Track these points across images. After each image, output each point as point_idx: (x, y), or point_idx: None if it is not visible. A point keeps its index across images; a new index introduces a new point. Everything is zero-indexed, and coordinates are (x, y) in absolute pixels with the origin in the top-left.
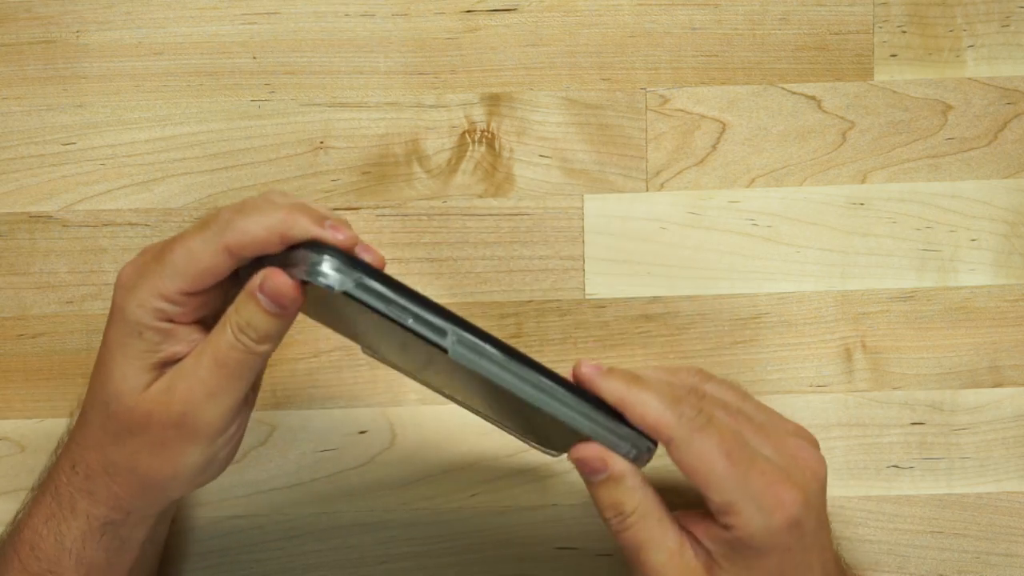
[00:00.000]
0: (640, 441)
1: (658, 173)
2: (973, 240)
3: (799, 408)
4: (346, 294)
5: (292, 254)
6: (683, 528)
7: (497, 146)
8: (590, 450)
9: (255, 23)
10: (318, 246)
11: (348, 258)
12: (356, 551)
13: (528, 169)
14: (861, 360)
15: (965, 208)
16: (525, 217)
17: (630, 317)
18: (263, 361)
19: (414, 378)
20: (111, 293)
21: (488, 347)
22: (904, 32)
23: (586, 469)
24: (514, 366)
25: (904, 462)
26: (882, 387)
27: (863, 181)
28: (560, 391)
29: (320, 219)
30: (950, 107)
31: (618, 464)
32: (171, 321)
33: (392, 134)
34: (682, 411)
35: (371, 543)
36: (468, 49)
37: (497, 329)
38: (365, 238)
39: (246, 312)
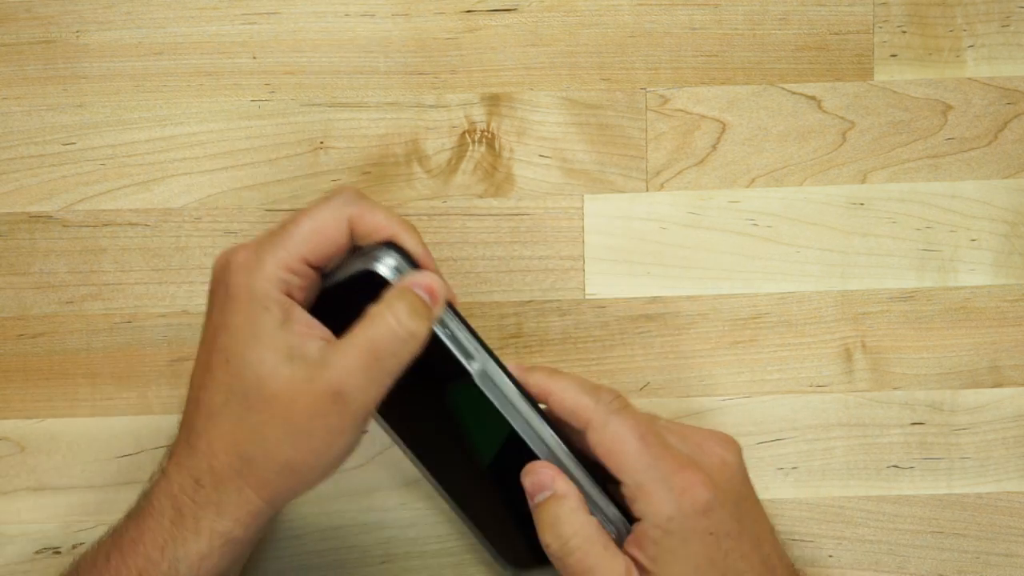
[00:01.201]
0: (622, 524)
1: (658, 173)
2: (973, 240)
3: (799, 408)
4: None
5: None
6: (625, 552)
7: (497, 146)
8: (542, 467)
9: (255, 23)
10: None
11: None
12: (356, 551)
13: (528, 169)
14: (861, 360)
15: (965, 208)
16: (525, 217)
17: (630, 317)
18: (409, 359)
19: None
20: (111, 293)
21: (507, 379)
22: (904, 32)
23: (533, 488)
24: (524, 403)
25: (904, 462)
26: (882, 387)
27: (863, 181)
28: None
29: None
30: (950, 107)
31: (563, 486)
32: (291, 296)
33: (392, 134)
34: (600, 396)
35: (371, 543)
36: (468, 49)
37: (497, 329)
38: None
39: (408, 301)
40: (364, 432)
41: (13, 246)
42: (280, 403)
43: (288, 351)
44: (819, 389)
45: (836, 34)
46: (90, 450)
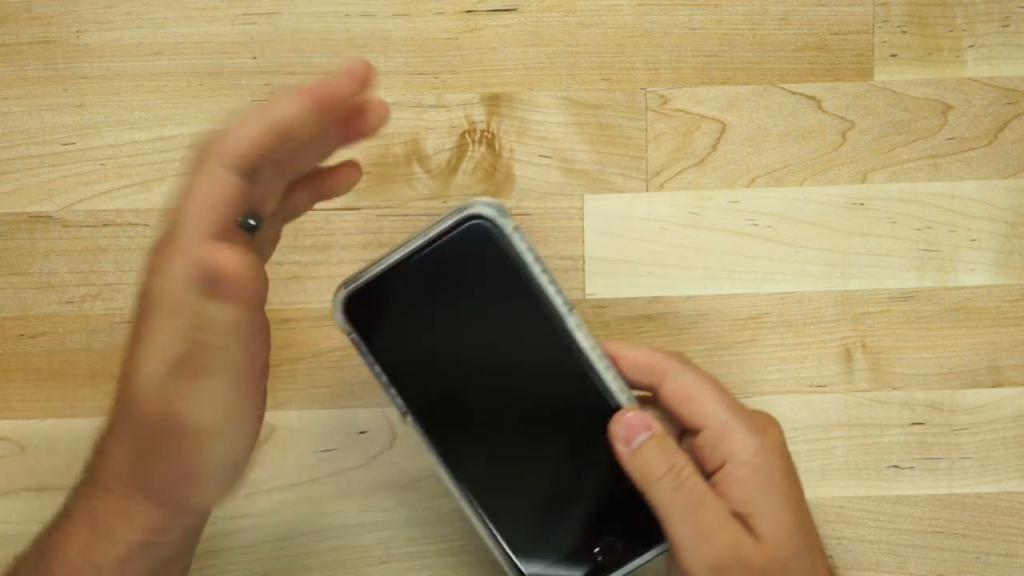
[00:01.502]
0: None
1: (658, 173)
2: (973, 240)
3: (799, 408)
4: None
5: None
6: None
7: (497, 146)
8: (636, 413)
9: (255, 23)
10: None
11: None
12: (356, 551)
13: (528, 169)
14: (861, 360)
15: (965, 208)
16: (525, 217)
17: (630, 317)
18: (239, 343)
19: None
20: (111, 293)
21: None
22: (904, 32)
23: (631, 431)
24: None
25: (904, 462)
26: (882, 387)
27: (863, 181)
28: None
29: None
30: (950, 107)
31: (660, 427)
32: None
33: (392, 134)
34: (669, 354)
35: (371, 543)
36: (468, 49)
37: None
38: (365, 238)
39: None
40: (252, 421)
41: (13, 246)
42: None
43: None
44: (819, 389)
45: (836, 34)
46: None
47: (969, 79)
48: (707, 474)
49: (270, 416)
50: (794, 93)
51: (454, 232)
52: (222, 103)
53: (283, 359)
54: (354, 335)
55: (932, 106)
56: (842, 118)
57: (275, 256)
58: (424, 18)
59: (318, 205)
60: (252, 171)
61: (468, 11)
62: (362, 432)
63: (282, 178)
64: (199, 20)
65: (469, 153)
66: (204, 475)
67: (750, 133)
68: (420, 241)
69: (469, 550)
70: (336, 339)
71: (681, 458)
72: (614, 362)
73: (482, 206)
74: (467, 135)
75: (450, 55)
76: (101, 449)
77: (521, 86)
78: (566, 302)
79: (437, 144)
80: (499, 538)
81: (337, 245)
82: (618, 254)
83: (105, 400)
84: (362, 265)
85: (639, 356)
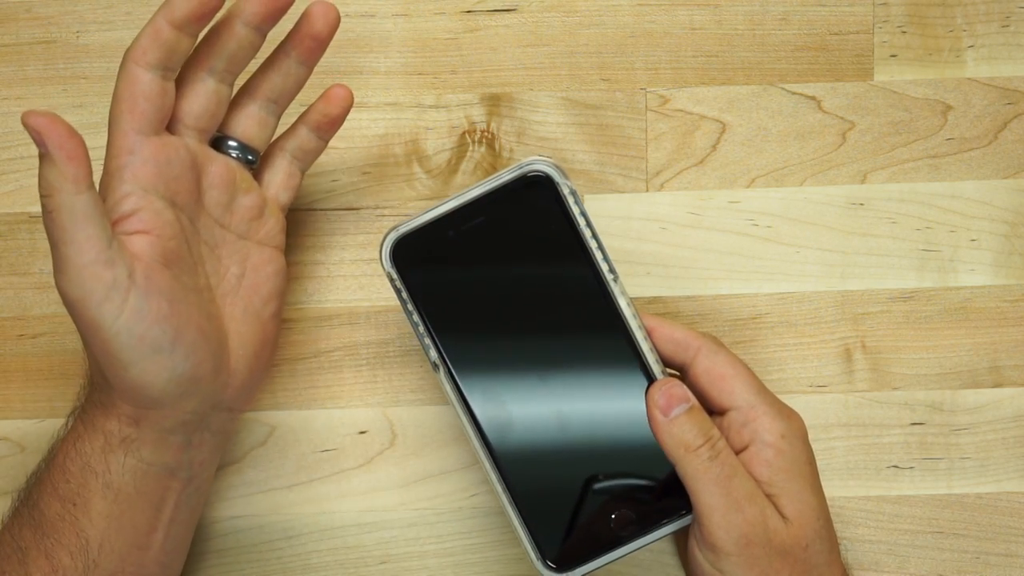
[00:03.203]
0: None
1: (658, 173)
2: (973, 240)
3: (799, 408)
4: None
5: None
6: None
7: (497, 146)
8: (675, 383)
9: None
10: None
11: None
12: (356, 551)
13: None
14: (861, 360)
15: (965, 208)
16: None
17: None
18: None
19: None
20: None
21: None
22: (904, 32)
23: (670, 401)
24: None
25: (904, 462)
26: (882, 387)
27: (863, 181)
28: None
29: None
30: (950, 107)
31: (696, 400)
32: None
33: (392, 134)
34: (703, 334)
35: (371, 543)
36: (468, 49)
37: None
38: (365, 238)
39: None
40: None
41: (13, 246)
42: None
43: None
44: (819, 389)
45: (836, 34)
46: None
47: (969, 79)
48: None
49: (270, 416)
50: (794, 93)
51: (510, 187)
52: None
53: (283, 359)
54: (397, 280)
55: (932, 106)
56: (842, 118)
57: None
58: (424, 18)
59: (318, 205)
60: (164, 66)
61: (468, 11)
62: (362, 432)
63: (264, 108)
64: None
65: (469, 153)
66: (114, 354)
67: (750, 133)
68: (476, 193)
69: (468, 550)
70: (336, 339)
71: (716, 431)
72: (651, 333)
73: (542, 164)
74: (467, 135)
75: (450, 55)
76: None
77: (521, 86)
78: (612, 269)
79: (437, 144)
80: (514, 498)
81: (337, 245)
82: (618, 254)
83: None
84: (414, 212)
85: (675, 332)
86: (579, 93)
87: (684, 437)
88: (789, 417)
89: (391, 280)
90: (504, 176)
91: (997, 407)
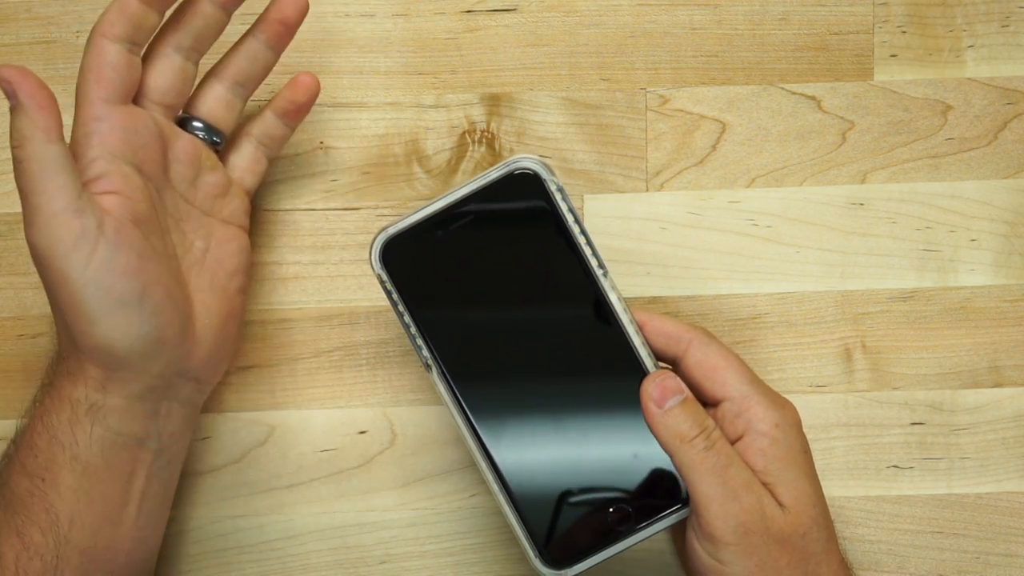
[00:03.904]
0: None
1: (658, 173)
2: (973, 240)
3: (799, 408)
4: None
5: None
6: None
7: (497, 146)
8: (669, 375)
9: None
10: None
11: None
12: (356, 551)
13: None
14: (861, 360)
15: (965, 208)
16: None
17: None
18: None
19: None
20: None
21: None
22: (904, 32)
23: (664, 392)
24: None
25: (904, 462)
26: (882, 387)
27: (863, 181)
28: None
29: None
30: (950, 107)
31: (690, 391)
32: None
33: (392, 134)
34: (694, 326)
35: (371, 543)
36: (468, 49)
37: None
38: (365, 238)
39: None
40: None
41: (13, 246)
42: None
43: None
44: (819, 389)
45: (836, 34)
46: None
47: (969, 79)
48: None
49: (270, 416)
50: (794, 93)
51: (498, 185)
52: None
53: (283, 359)
54: (388, 282)
55: (932, 106)
56: (842, 118)
57: (274, 256)
58: (424, 18)
59: (318, 205)
60: (131, 40)
61: (468, 11)
62: (362, 432)
63: (231, 90)
64: None
65: (469, 153)
66: (80, 307)
67: (750, 133)
68: (463, 192)
69: (468, 550)
70: (336, 339)
71: (710, 422)
72: (642, 327)
73: (529, 161)
74: (467, 135)
75: (450, 55)
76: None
77: (521, 86)
78: (602, 264)
79: (437, 144)
80: (511, 497)
81: (337, 245)
82: (618, 254)
83: None
84: (402, 213)
85: (666, 325)
86: (579, 93)
87: (679, 428)
88: (783, 406)
89: (381, 282)
90: (492, 174)
91: (997, 407)
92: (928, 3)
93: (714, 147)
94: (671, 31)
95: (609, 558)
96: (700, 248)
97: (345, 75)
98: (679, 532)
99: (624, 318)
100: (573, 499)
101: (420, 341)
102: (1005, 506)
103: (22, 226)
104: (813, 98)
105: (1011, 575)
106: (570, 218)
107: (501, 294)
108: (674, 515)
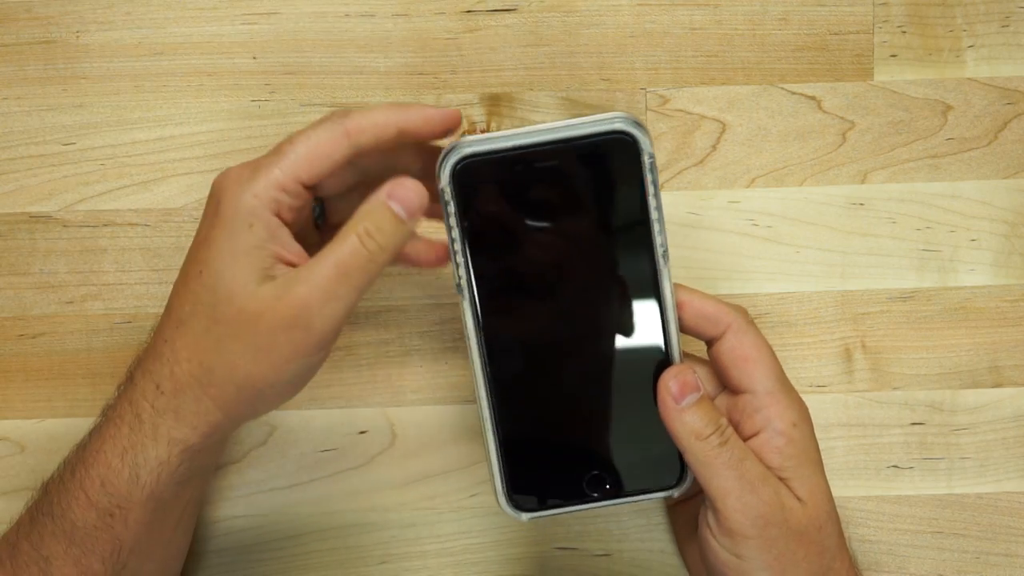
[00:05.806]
0: None
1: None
2: (973, 240)
3: None
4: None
5: None
6: None
7: None
8: (688, 370)
9: (255, 23)
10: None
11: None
12: (356, 551)
13: None
14: (861, 360)
15: (965, 208)
16: None
17: None
18: (379, 272)
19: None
20: (111, 293)
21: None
22: (904, 32)
23: (683, 388)
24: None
25: (904, 462)
26: (882, 387)
27: (863, 181)
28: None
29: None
30: (950, 107)
31: (704, 387)
32: (280, 217)
33: None
34: (734, 308)
35: (371, 543)
36: (468, 49)
37: None
38: None
39: (374, 218)
40: (325, 355)
41: (13, 246)
42: (245, 318)
43: (262, 270)
44: (819, 389)
45: (836, 34)
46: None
47: (969, 79)
48: (741, 438)
49: (270, 416)
50: (794, 93)
51: (592, 141)
52: (222, 103)
53: None
54: (451, 198)
55: (932, 106)
56: (842, 118)
57: None
58: (424, 18)
59: None
60: (362, 150)
61: (468, 11)
62: (362, 432)
63: (354, 172)
64: (199, 20)
65: None
66: (266, 383)
67: (750, 133)
68: (553, 135)
69: (468, 550)
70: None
71: (724, 420)
72: (681, 307)
73: (629, 125)
74: (467, 135)
75: (450, 55)
76: (157, 349)
77: (521, 86)
78: (664, 245)
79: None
80: (499, 432)
81: None
82: None
83: (104, 400)
84: (486, 134)
85: (706, 307)
86: (579, 93)
87: (695, 425)
88: (800, 405)
89: (442, 195)
90: (586, 127)
91: (997, 407)
92: (928, 3)
93: (714, 147)
94: (671, 31)
95: (570, 514)
96: (700, 248)
97: (345, 75)
98: (683, 535)
99: (669, 304)
100: (556, 454)
101: (460, 261)
102: (1005, 506)
103: (22, 226)
104: (813, 98)
105: (1011, 575)
106: (651, 191)
107: (558, 245)
108: (642, 496)
